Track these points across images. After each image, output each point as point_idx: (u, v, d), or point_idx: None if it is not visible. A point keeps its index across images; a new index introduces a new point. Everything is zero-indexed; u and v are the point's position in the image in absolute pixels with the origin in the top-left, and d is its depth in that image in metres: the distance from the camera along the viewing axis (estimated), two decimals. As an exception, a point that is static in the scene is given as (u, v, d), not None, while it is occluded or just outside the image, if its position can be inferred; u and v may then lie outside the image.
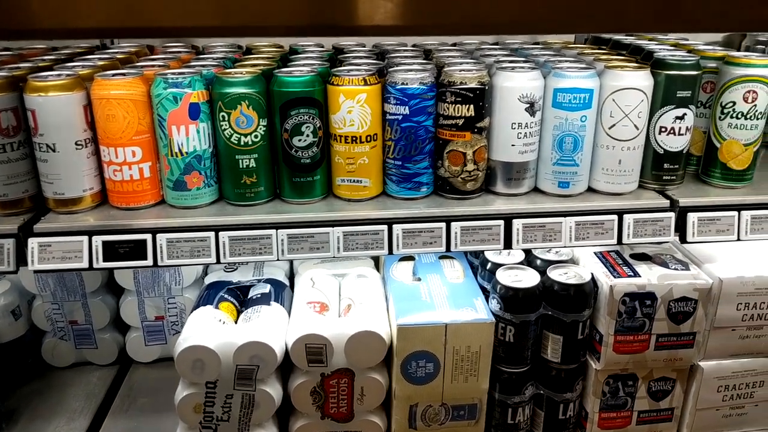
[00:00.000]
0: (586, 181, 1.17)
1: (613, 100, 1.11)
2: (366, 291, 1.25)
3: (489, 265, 1.24)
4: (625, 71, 1.10)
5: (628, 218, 1.13)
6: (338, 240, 1.09)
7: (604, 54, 1.28)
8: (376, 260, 1.44)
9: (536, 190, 1.19)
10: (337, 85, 1.08)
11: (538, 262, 1.26)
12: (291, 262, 1.47)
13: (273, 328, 1.15)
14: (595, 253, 1.25)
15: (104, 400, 1.43)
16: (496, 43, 1.56)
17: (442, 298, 1.19)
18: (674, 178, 1.18)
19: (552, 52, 1.33)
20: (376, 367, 1.17)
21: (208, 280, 1.36)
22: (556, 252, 1.29)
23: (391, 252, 1.11)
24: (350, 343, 1.13)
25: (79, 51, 1.46)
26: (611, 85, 1.11)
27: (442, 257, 1.37)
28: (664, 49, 1.27)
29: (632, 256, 1.25)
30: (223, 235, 1.08)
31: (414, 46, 1.52)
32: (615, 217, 1.13)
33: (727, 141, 1.18)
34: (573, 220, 1.12)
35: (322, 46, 1.50)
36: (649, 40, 1.44)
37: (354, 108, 1.09)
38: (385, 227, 1.10)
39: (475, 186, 1.15)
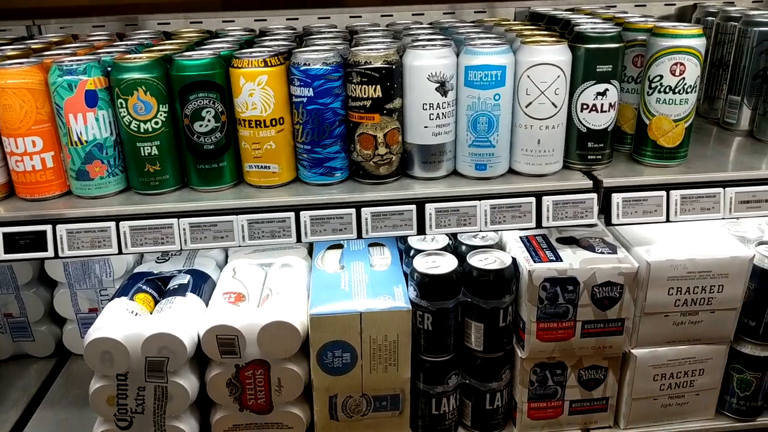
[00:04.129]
0: (506, 162, 1.12)
1: (528, 76, 1.06)
2: (288, 280, 1.21)
3: (412, 252, 1.20)
4: (540, 46, 1.05)
5: (547, 200, 1.08)
6: (243, 228, 1.06)
7: (528, 30, 1.22)
8: (311, 248, 1.41)
9: (456, 173, 1.15)
10: (238, 67, 1.04)
11: (463, 247, 1.21)
12: (225, 252, 1.45)
13: (184, 320, 1.12)
14: (520, 237, 1.20)
15: (38, 392, 1.42)
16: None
17: (361, 287, 1.15)
18: (600, 157, 1.13)
19: (479, 30, 1.28)
20: (293, 357, 1.14)
21: (137, 270, 1.34)
22: (482, 237, 1.24)
23: (299, 240, 1.08)
24: (263, 334, 1.10)
25: None
26: (526, 61, 1.06)
27: (372, 244, 1.34)
28: (586, 22, 1.20)
29: (559, 240, 1.20)
30: (124, 225, 1.05)
31: (388, 25, 1.48)
32: (533, 199, 1.08)
33: (657, 117, 1.12)
34: (488, 203, 1.08)
35: (294, 29, 1.47)
36: (587, 14, 1.38)
37: (255, 91, 1.04)
38: (292, 214, 1.06)
39: (389, 170, 1.10)
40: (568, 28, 1.23)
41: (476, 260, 1.14)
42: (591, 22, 1.20)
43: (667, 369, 1.20)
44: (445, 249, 1.22)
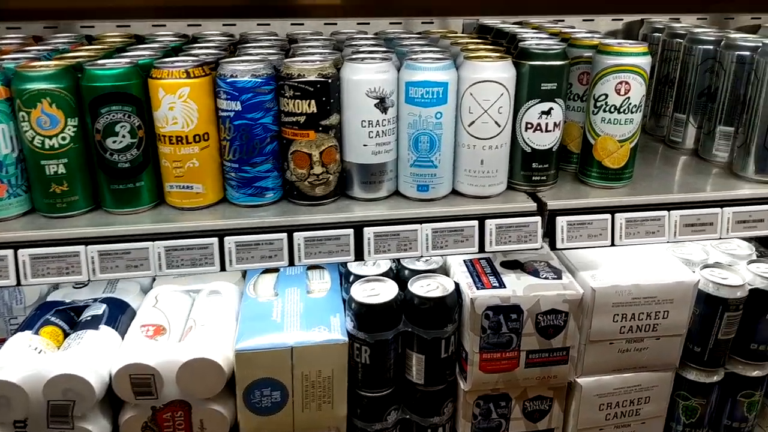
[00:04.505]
0: (449, 183, 1.07)
1: (471, 94, 1.01)
2: (215, 310, 1.12)
3: (351, 278, 1.13)
4: (483, 62, 1.00)
5: (490, 224, 1.03)
6: (159, 256, 0.96)
7: (474, 44, 1.17)
8: (246, 271, 1.32)
9: (398, 194, 1.09)
10: (157, 78, 0.94)
11: (406, 272, 1.15)
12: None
13: (94, 357, 1.01)
14: (464, 261, 1.15)
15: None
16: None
17: (294, 317, 1.07)
18: (545, 178, 1.09)
19: (424, 42, 1.23)
20: (217, 397, 1.04)
21: (49, 298, 1.22)
22: (426, 260, 1.19)
23: (223, 269, 0.98)
24: (183, 372, 1.00)
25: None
26: (469, 78, 1.00)
27: (310, 267, 1.26)
28: (532, 37, 1.17)
29: (503, 263, 1.15)
30: (23, 253, 0.93)
31: (332, 34, 1.41)
32: (475, 223, 1.03)
33: (602, 137, 1.09)
34: (430, 227, 1.02)
35: (231, 36, 1.37)
36: (535, 29, 1.35)
37: (176, 104, 0.95)
38: (215, 240, 0.97)
39: (326, 191, 1.03)
40: (514, 42, 1.20)
41: (418, 287, 1.08)
42: (536, 38, 1.17)
43: (613, 398, 1.17)
44: (386, 274, 1.15)
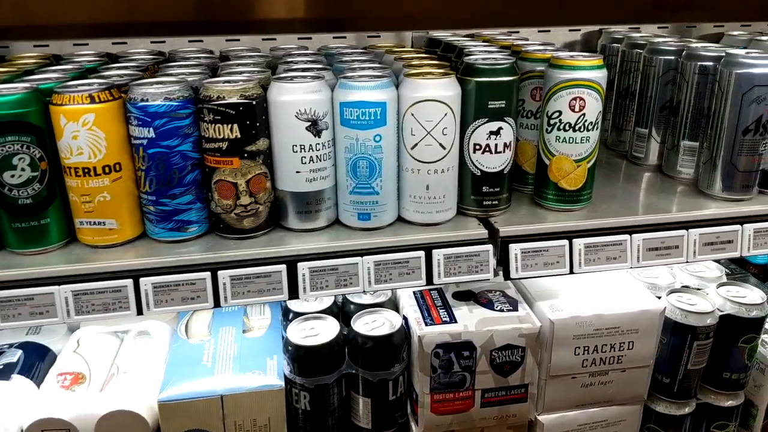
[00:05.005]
0: (394, 211, 0.98)
1: (413, 114, 0.92)
2: (142, 354, 1.02)
3: (290, 315, 1.04)
4: (424, 80, 0.92)
5: (437, 254, 0.95)
6: (67, 302, 0.86)
7: (417, 59, 1.09)
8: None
9: (339, 222, 1.00)
10: (58, 104, 0.84)
11: (352, 306, 1.07)
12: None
13: (4, 412, 0.91)
14: (414, 293, 1.07)
15: None
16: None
17: (227, 360, 0.98)
18: (496, 202, 1.00)
19: (366, 58, 1.15)
20: (143, 450, 0.95)
21: (-37, 343, 1.11)
22: (374, 293, 1.10)
23: (140, 312, 0.89)
24: (101, 426, 0.90)
25: None
26: (409, 97, 0.92)
27: (251, 302, 1.17)
28: (481, 51, 1.09)
29: (456, 294, 1.07)
30: None
31: (271, 50, 1.31)
32: (422, 253, 0.95)
33: (556, 157, 1.02)
34: (371, 259, 0.93)
35: (160, 54, 1.27)
36: (486, 41, 1.28)
37: (80, 132, 0.85)
38: (129, 282, 0.87)
39: (255, 222, 0.94)
40: (462, 57, 1.12)
41: (361, 324, 0.99)
42: (484, 52, 1.09)
43: (579, 434, 1.10)
44: (329, 309, 1.06)
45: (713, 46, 1.15)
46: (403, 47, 1.29)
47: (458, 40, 1.25)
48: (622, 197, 1.11)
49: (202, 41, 1.30)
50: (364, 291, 0.93)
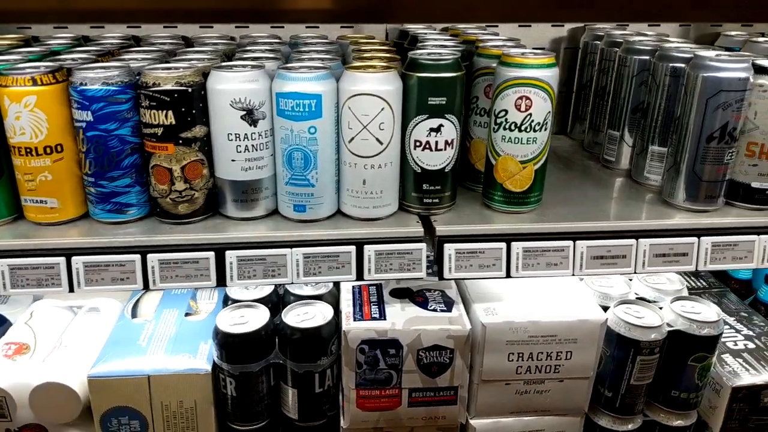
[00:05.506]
0: (331, 204, 0.97)
1: (349, 107, 0.91)
2: (88, 330, 1.06)
3: (229, 302, 1.05)
4: (362, 73, 0.90)
5: (368, 250, 0.94)
6: (2, 275, 0.90)
7: (371, 52, 1.07)
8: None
9: (278, 212, 1.01)
10: (3, 86, 0.87)
11: (291, 297, 1.07)
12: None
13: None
14: (353, 287, 1.06)
15: None
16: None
17: (162, 342, 1.00)
18: (437, 201, 0.98)
19: (326, 48, 1.14)
20: (77, 423, 0.98)
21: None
22: (315, 284, 1.10)
23: (72, 290, 0.92)
24: (36, 396, 0.94)
25: None
26: (347, 90, 0.91)
27: (203, 286, 1.19)
28: (432, 45, 1.06)
29: (393, 291, 1.05)
30: None
31: (241, 37, 1.32)
32: (353, 248, 0.95)
33: (502, 157, 0.99)
34: (301, 252, 0.93)
35: (184, 38, 1.29)
36: (452, 35, 1.24)
37: (22, 113, 0.88)
38: (62, 260, 0.91)
39: (190, 209, 0.95)
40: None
41: (293, 316, 0.99)
42: (435, 46, 1.06)
43: (514, 441, 1.08)
44: (267, 298, 1.07)
45: (687, 47, 1.09)
46: (373, 39, 1.27)
47: (425, 34, 1.23)
48: (579, 202, 1.07)
49: (176, 27, 1.32)
50: (292, 282, 0.93)
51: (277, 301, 1.08)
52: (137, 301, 1.14)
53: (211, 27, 1.35)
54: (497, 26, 1.37)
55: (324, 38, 1.29)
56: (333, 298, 1.08)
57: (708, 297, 1.34)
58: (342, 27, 1.36)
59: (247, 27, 1.34)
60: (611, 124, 1.23)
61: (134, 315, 1.13)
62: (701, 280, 1.41)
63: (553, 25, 1.40)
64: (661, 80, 1.08)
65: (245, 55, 1.07)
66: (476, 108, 1.07)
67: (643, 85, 1.15)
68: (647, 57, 1.13)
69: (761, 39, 1.34)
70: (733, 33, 1.44)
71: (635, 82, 1.16)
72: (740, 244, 1.00)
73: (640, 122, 1.16)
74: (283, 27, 1.34)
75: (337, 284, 1.12)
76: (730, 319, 1.25)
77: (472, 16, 1.35)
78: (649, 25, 1.44)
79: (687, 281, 1.40)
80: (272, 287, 1.10)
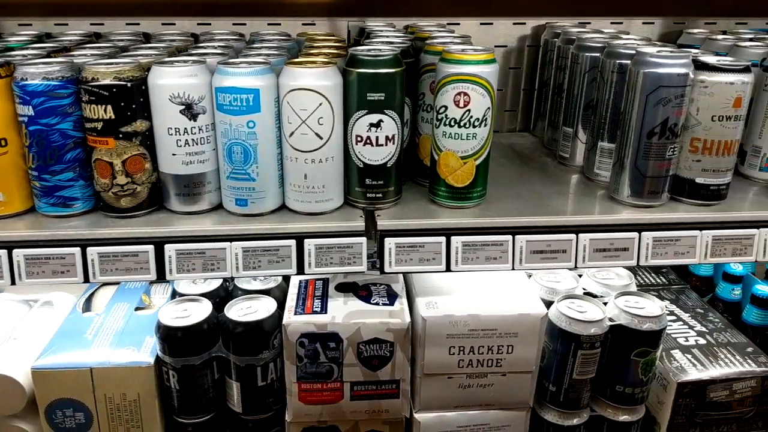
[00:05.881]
0: (275, 198, 0.98)
1: (288, 102, 0.92)
2: (38, 323, 1.07)
3: (176, 296, 1.06)
4: (300, 68, 0.91)
5: (309, 244, 0.95)
6: (-57, 267, 0.92)
7: (319, 47, 1.08)
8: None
9: (222, 207, 1.02)
10: (-54, 79, 0.90)
11: (239, 291, 1.08)
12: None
13: None
14: (300, 282, 1.07)
15: None
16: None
17: (109, 335, 1.01)
18: (381, 195, 0.99)
19: (279, 45, 1.14)
20: (23, 414, 0.99)
21: None
22: (263, 279, 1.11)
23: (13, 282, 0.92)
24: (-20, 387, 0.96)
25: None
26: (286, 85, 0.92)
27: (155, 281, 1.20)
28: (377, 41, 1.07)
29: (339, 286, 1.06)
30: None
31: (202, 35, 1.33)
32: (292, 242, 0.95)
33: (444, 153, 0.99)
34: (240, 245, 0.94)
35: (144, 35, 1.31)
36: (405, 33, 1.25)
37: (-35, 107, 0.91)
38: (3, 252, 0.91)
39: (133, 202, 0.95)
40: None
41: (235, 310, 1.00)
42: (384, 42, 1.07)
43: (459, 436, 1.08)
44: (214, 293, 1.08)
45: (634, 44, 1.09)
46: (332, 36, 1.28)
47: (380, 30, 1.23)
48: (527, 197, 1.07)
49: (138, 24, 1.34)
50: (231, 276, 0.94)
51: (226, 296, 1.09)
52: (91, 295, 1.16)
53: (173, 24, 1.37)
54: (459, 24, 1.38)
55: (285, 35, 1.31)
56: (281, 292, 1.09)
57: (667, 294, 1.34)
58: (304, 24, 1.37)
59: (209, 24, 1.36)
60: (566, 121, 1.24)
61: (88, 309, 1.14)
62: (661, 277, 1.41)
63: (515, 23, 1.41)
64: (608, 77, 1.09)
65: (197, 51, 1.08)
66: (423, 104, 1.08)
67: (594, 81, 1.16)
68: (598, 54, 1.14)
69: (720, 36, 1.35)
70: (695, 31, 1.45)
71: (587, 78, 1.17)
72: (682, 240, 1.00)
73: (591, 119, 1.17)
74: (279, 24, 1.37)
75: (286, 279, 1.14)
76: (685, 315, 1.25)
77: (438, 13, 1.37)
78: (611, 23, 1.46)
79: (646, 278, 1.41)
80: (220, 282, 1.11)
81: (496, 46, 1.43)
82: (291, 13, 1.37)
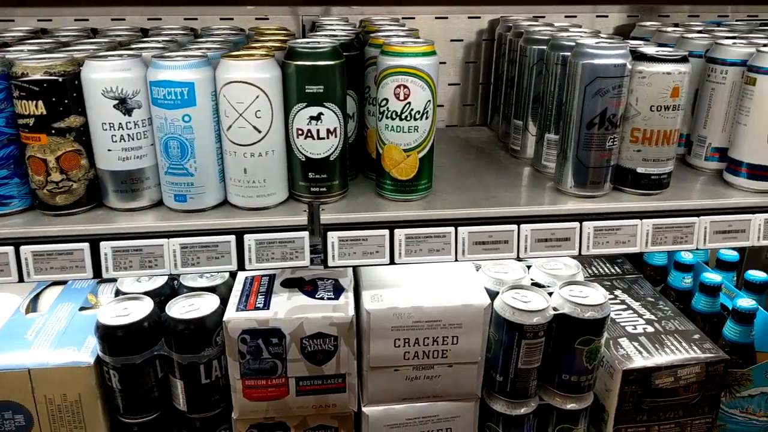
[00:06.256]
0: (215, 193, 0.97)
1: (225, 95, 0.91)
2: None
3: (120, 295, 1.04)
4: (236, 61, 0.90)
5: (248, 239, 0.95)
6: None
7: (264, 41, 1.07)
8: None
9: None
10: None
11: (185, 289, 1.06)
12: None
13: None
14: (246, 278, 1.06)
15: None
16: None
17: (50, 335, 0.99)
18: (325, 189, 0.98)
19: (225, 38, 1.13)
20: (-39, 418, 0.98)
21: None
22: (210, 276, 1.09)
23: (-56, 282, 0.92)
24: None
25: None
26: (222, 78, 0.90)
27: (104, 280, 1.18)
28: (324, 33, 1.07)
29: (285, 281, 1.05)
30: None
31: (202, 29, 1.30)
32: (231, 237, 0.95)
33: (387, 146, 0.99)
34: (177, 242, 0.93)
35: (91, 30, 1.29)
36: (361, 25, 1.25)
37: None
38: (-67, 252, 0.91)
39: (69, 200, 0.93)
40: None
41: (177, 307, 0.99)
42: (328, 35, 1.06)
43: (408, 429, 1.06)
44: (158, 291, 1.06)
45: (578, 36, 1.10)
46: (283, 30, 1.27)
47: (330, 24, 1.23)
48: (474, 190, 1.07)
49: (87, 20, 1.31)
50: (170, 273, 0.93)
51: (171, 294, 1.08)
52: (38, 296, 1.13)
53: (123, 20, 1.35)
54: (414, 18, 1.38)
55: (236, 29, 1.29)
56: (228, 289, 1.07)
57: (620, 283, 1.35)
58: (257, 18, 1.35)
59: (160, 19, 1.34)
60: (516, 114, 1.24)
61: (34, 309, 1.12)
62: (616, 267, 1.42)
63: (470, 17, 1.41)
64: (552, 69, 1.09)
65: (138, 45, 1.07)
66: (369, 98, 1.07)
67: (541, 74, 1.16)
68: (545, 47, 1.15)
69: (669, 29, 1.36)
70: (647, 24, 1.46)
71: (534, 71, 1.17)
72: (623, 229, 1.01)
73: (538, 112, 1.17)
74: (232, 18, 1.35)
75: (234, 275, 1.13)
76: (636, 304, 1.27)
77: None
78: (565, 17, 1.46)
79: (600, 268, 1.42)
80: (165, 280, 1.09)
81: (452, 40, 1.43)
82: (239, 1, 1.35)
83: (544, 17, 1.43)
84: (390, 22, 1.31)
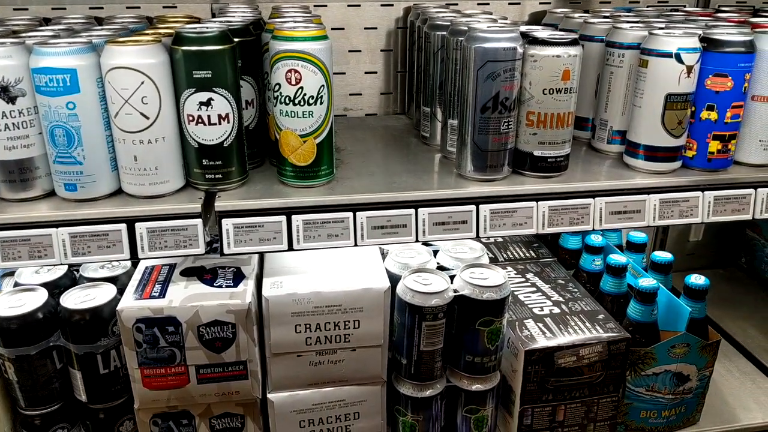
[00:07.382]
0: (108, 182, 0.95)
1: (109, 82, 0.90)
2: None
3: (16, 287, 1.02)
4: (119, 47, 0.88)
5: (140, 228, 0.93)
6: None
7: (158, 29, 1.05)
8: None
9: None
10: None
11: (85, 280, 1.04)
12: None
13: None
14: (146, 267, 1.05)
15: None
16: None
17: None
18: (221, 176, 0.98)
19: (122, 26, 1.11)
20: None
21: None
22: (112, 266, 1.08)
23: None
24: None
25: None
26: (106, 64, 0.89)
27: (7, 274, 1.15)
28: (222, 20, 1.06)
29: (185, 270, 1.04)
30: None
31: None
32: (122, 226, 0.93)
33: (283, 131, 0.99)
34: (66, 231, 0.90)
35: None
36: (272, 12, 1.24)
37: None
38: None
39: (-46, 191, 0.93)
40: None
41: (72, 298, 0.97)
42: (225, 20, 1.05)
43: (315, 414, 1.07)
44: (56, 282, 1.05)
45: (476, 21, 1.11)
46: (189, 17, 1.25)
47: (233, 10, 1.22)
48: (378, 176, 1.08)
49: (27, 9, 1.27)
50: (60, 263, 0.91)
51: (70, 285, 1.06)
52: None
53: (26, 9, 1.31)
54: (326, 6, 1.38)
55: (139, 18, 1.26)
56: (129, 279, 1.05)
57: (533, 266, 1.38)
58: (127, 6, 1.33)
59: (64, 9, 1.31)
60: (425, 101, 1.25)
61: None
62: (531, 251, 1.45)
63: (382, 5, 1.41)
64: (452, 54, 1.10)
65: (31, 34, 1.04)
66: (269, 84, 1.07)
67: (444, 61, 1.18)
68: (446, 33, 1.16)
69: (576, 15, 1.40)
70: (557, 11, 1.49)
71: (438, 57, 1.19)
72: (519, 211, 1.03)
73: (443, 98, 1.19)
74: (139, 7, 1.31)
75: (136, 265, 1.11)
76: (545, 287, 1.29)
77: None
78: (478, 4, 1.49)
79: (515, 252, 1.45)
80: (64, 270, 1.07)
81: (365, 28, 1.44)
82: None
83: (456, 4, 1.45)
84: (298, 9, 1.31)
